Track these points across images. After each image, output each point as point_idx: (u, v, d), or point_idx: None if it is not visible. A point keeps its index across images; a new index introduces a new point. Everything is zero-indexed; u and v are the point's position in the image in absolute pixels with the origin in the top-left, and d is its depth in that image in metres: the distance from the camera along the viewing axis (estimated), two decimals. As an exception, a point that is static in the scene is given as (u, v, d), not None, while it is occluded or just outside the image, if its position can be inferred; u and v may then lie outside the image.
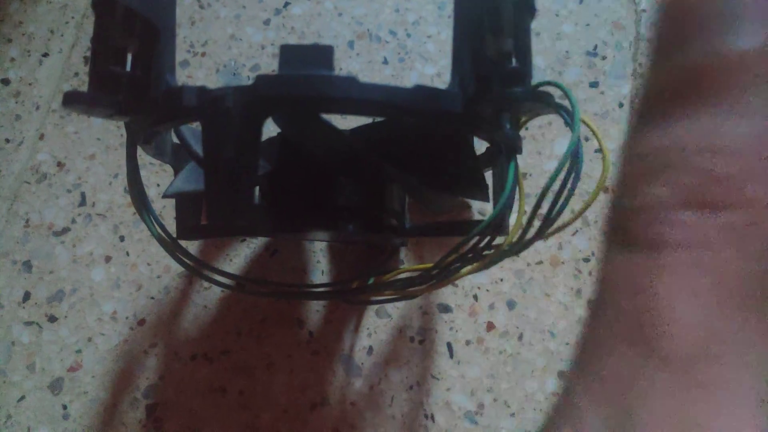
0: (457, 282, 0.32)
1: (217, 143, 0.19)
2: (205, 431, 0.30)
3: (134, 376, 0.30)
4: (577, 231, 0.32)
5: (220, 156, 0.19)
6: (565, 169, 0.20)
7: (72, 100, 0.19)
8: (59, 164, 0.33)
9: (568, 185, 0.20)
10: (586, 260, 0.32)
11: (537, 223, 0.21)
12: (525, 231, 0.21)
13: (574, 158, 0.19)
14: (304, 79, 0.18)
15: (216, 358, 0.31)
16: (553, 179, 0.19)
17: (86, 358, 0.31)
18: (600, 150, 0.21)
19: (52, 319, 0.31)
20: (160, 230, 0.25)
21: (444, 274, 0.23)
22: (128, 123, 0.23)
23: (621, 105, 0.35)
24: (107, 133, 0.34)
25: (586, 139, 0.33)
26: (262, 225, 0.23)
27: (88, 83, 0.20)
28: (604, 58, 0.36)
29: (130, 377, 0.30)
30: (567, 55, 0.36)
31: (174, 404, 0.30)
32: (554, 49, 0.36)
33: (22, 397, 0.30)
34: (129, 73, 0.20)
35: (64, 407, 0.30)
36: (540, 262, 0.32)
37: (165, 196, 0.24)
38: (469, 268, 0.23)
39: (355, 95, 0.18)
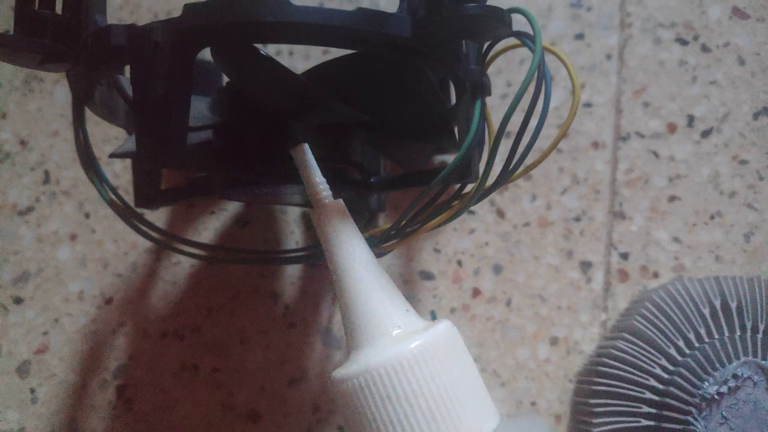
0: (439, 248, 0.30)
1: (147, 80, 0.17)
2: (178, 411, 0.28)
3: (103, 356, 0.29)
4: (566, 189, 0.31)
5: (149, 94, 0.17)
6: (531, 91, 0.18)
7: (-8, 43, 0.18)
8: (22, 142, 0.32)
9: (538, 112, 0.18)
10: (577, 220, 0.30)
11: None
12: (486, 172, 0.19)
13: (539, 79, 0.18)
14: (233, 4, 0.16)
15: (187, 336, 0.29)
16: (516, 101, 0.17)
17: (53, 340, 0.29)
18: (570, 80, 0.19)
19: (18, 300, 0.30)
20: (112, 194, 0.23)
21: (403, 231, 0.21)
22: (68, 76, 0.21)
23: (609, 57, 0.33)
24: (71, 110, 0.32)
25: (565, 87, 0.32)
26: (216, 176, 0.22)
27: (13, 27, 0.19)
28: (589, 9, 0.34)
29: (99, 358, 0.29)
30: (549, 7, 0.34)
31: (145, 384, 0.29)
32: (535, 2, 0.34)
33: (-10, 383, 0.29)
34: (56, 16, 0.19)
35: (32, 391, 0.29)
36: (527, 224, 0.30)
37: (113, 155, 0.23)
38: (433, 222, 0.21)
39: (288, 18, 0.16)
